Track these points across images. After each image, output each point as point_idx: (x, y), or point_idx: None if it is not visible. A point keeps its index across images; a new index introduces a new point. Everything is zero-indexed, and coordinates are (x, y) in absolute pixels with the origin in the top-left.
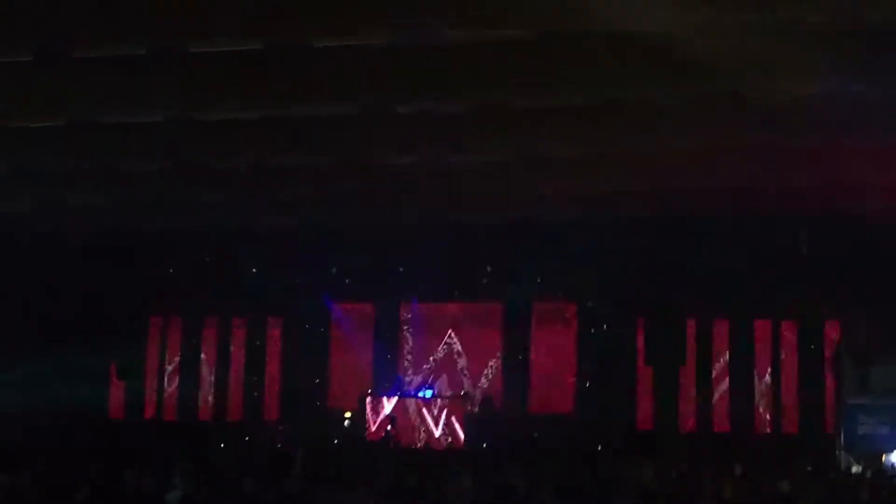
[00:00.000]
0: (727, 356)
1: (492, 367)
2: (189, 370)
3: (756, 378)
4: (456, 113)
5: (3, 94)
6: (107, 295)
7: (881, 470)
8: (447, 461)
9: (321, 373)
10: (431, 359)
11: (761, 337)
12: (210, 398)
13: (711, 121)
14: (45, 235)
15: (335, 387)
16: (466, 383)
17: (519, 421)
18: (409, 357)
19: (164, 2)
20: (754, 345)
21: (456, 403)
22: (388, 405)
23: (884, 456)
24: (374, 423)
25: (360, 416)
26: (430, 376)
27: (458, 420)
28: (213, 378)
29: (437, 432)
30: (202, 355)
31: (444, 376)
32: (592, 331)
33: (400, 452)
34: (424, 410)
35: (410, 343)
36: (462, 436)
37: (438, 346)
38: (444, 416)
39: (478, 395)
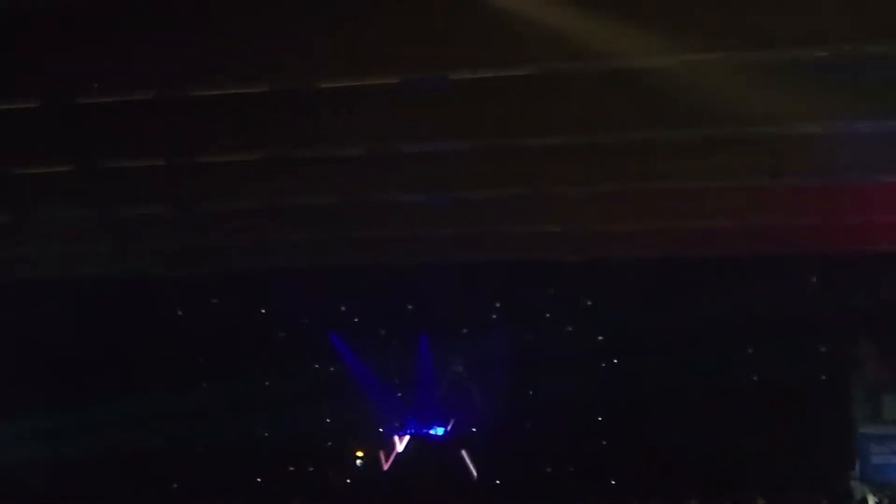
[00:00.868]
0: None
1: (501, 403)
2: None
3: None
4: (461, 151)
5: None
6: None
7: None
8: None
9: (331, 413)
10: (441, 396)
11: None
12: None
13: (714, 161)
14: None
15: (345, 427)
16: (476, 420)
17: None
18: (420, 395)
19: (170, 46)
20: None
21: (466, 440)
22: (401, 444)
23: None
24: (387, 462)
25: (372, 456)
26: (440, 414)
27: (469, 456)
28: None
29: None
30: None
31: (455, 413)
32: (603, 365)
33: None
34: (435, 448)
35: (420, 381)
36: (474, 472)
37: (448, 383)
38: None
39: (488, 432)
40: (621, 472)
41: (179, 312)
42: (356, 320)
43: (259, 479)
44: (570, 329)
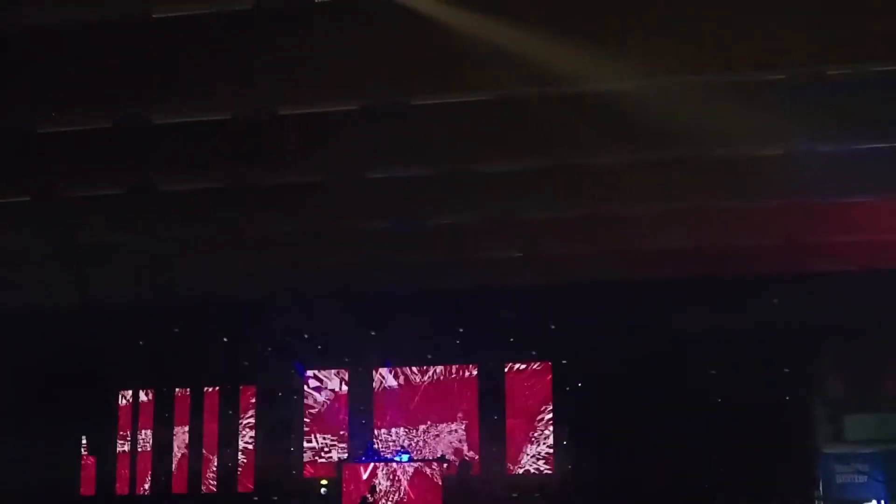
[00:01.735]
0: None
1: (467, 429)
2: (161, 442)
3: None
4: (423, 177)
5: None
6: (74, 369)
7: None
8: None
9: (295, 441)
10: (406, 424)
11: None
12: (183, 470)
13: (672, 183)
14: (6, 311)
15: (309, 455)
16: (443, 447)
17: (498, 482)
18: (384, 422)
19: (129, 75)
20: None
21: (433, 467)
22: (365, 472)
23: None
24: (350, 490)
25: (336, 484)
26: (406, 441)
27: (435, 484)
28: (186, 450)
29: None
30: (174, 427)
31: (421, 440)
32: (567, 389)
33: None
34: (401, 475)
35: (385, 408)
36: (441, 502)
37: (413, 410)
38: (421, 481)
39: (454, 458)
40: (585, 493)
41: (141, 343)
42: (319, 347)
43: None
44: (534, 353)
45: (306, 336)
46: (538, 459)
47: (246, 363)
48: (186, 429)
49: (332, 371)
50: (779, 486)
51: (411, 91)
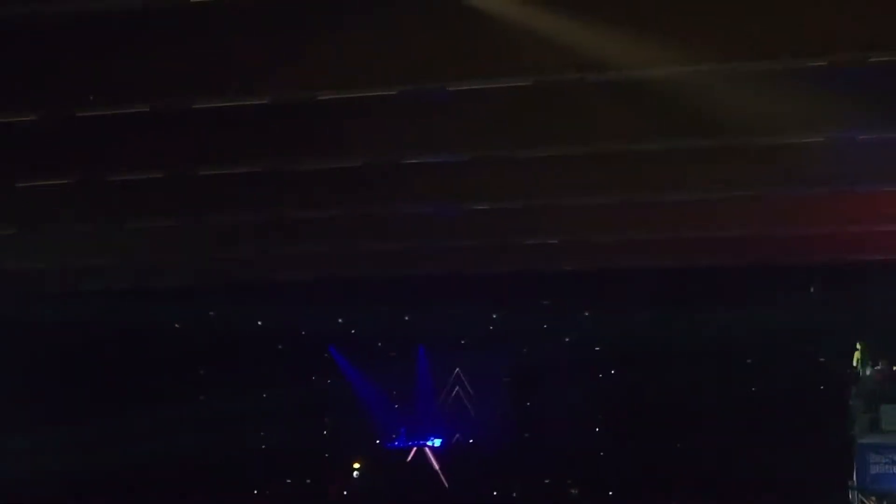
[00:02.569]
0: None
1: (499, 414)
2: None
3: None
4: (461, 162)
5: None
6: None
7: None
8: None
9: (328, 425)
10: (439, 407)
11: None
12: None
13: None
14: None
15: (343, 438)
16: (474, 431)
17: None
18: (418, 406)
19: (166, 60)
20: None
21: (464, 451)
22: (398, 455)
23: None
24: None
25: (369, 468)
26: (438, 425)
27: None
28: None
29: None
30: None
31: (453, 424)
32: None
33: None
34: (433, 459)
35: (418, 392)
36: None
37: (446, 394)
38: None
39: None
40: (620, 482)
41: (177, 325)
42: (353, 332)
43: (256, 492)
44: (567, 340)
45: (340, 321)
46: None
47: (281, 347)
48: None
49: (366, 355)
50: (813, 474)
51: (447, 77)
